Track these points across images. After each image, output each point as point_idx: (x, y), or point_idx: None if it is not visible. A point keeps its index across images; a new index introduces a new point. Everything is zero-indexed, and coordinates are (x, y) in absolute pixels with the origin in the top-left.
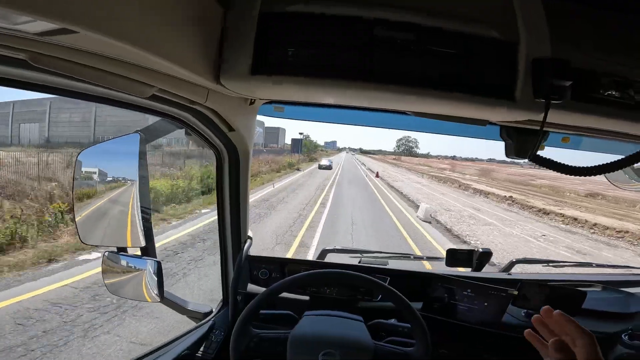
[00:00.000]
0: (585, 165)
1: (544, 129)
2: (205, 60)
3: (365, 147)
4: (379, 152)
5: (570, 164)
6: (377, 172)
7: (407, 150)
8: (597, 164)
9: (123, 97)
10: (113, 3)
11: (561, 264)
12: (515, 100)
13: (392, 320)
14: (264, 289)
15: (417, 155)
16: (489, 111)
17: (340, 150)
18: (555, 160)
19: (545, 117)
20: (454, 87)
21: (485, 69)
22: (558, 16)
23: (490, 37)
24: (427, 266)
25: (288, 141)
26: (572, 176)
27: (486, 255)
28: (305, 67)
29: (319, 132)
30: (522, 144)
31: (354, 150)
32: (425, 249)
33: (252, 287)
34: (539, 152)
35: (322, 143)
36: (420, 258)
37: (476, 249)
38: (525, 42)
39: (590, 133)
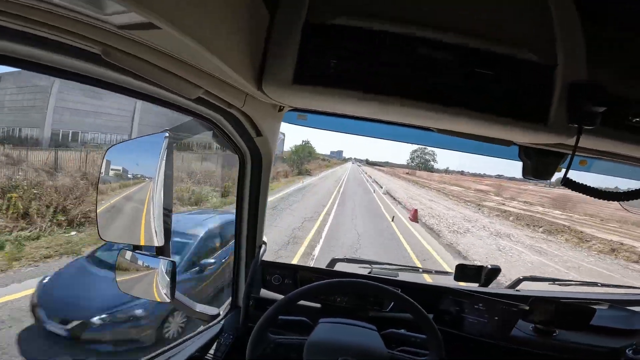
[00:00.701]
0: (614, 191)
1: (563, 151)
2: (250, 64)
3: (372, 159)
4: (387, 164)
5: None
6: (414, 212)
7: (422, 163)
8: (628, 190)
9: (169, 97)
10: (186, 3)
11: (567, 282)
12: (548, 124)
13: (402, 330)
14: (275, 294)
15: (432, 169)
16: (519, 133)
17: (345, 160)
18: (587, 185)
19: (577, 142)
20: (489, 107)
21: (521, 91)
22: (595, 41)
23: (529, 60)
24: (430, 280)
25: (287, 149)
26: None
27: (495, 272)
28: (345, 80)
29: (325, 141)
30: (541, 165)
31: (360, 161)
32: None
33: (264, 293)
34: (558, 174)
35: (327, 152)
36: (429, 272)
37: (485, 265)
38: (562, 66)
39: (615, 159)
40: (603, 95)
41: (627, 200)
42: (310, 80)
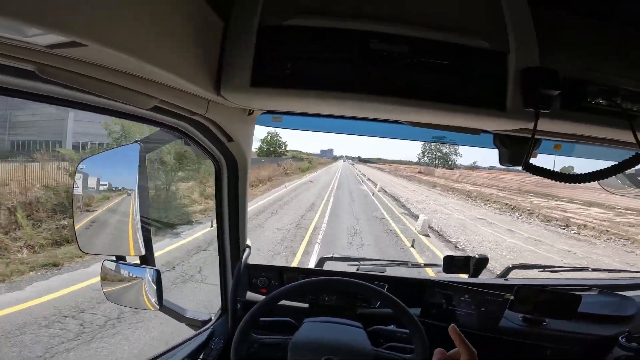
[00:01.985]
0: (576, 173)
1: (535, 137)
2: (206, 72)
3: (364, 155)
4: (379, 160)
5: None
6: None
7: (440, 158)
8: (589, 172)
9: (125, 108)
10: (119, 17)
11: (557, 268)
12: (506, 109)
13: (391, 326)
14: (262, 296)
15: (453, 166)
16: (481, 120)
17: (336, 158)
18: (547, 168)
19: (535, 126)
20: (447, 97)
21: (476, 79)
22: (546, 26)
23: (481, 47)
24: (430, 273)
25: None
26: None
27: (483, 262)
28: (303, 79)
29: (315, 139)
30: (516, 151)
31: (352, 158)
32: None
33: (250, 295)
34: (532, 160)
35: (318, 151)
36: (417, 265)
37: (473, 256)
38: (514, 52)
39: (581, 140)
40: (556, 79)
41: (588, 181)
42: (268, 82)
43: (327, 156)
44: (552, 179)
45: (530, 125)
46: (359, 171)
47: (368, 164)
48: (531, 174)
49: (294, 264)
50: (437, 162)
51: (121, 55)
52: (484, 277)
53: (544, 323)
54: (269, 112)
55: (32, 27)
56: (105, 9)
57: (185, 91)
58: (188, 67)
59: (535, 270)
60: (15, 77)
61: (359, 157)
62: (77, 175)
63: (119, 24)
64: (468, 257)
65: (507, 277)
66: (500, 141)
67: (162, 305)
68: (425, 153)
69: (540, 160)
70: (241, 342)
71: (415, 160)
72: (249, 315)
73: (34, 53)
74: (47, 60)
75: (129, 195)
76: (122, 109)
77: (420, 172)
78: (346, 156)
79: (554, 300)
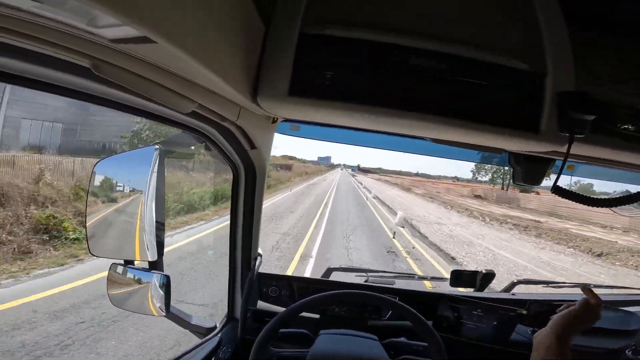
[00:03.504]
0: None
1: (553, 157)
2: (245, 76)
3: (364, 164)
4: (379, 169)
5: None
6: None
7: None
8: (618, 196)
9: (163, 112)
10: (181, 15)
11: (560, 284)
12: (540, 132)
13: (402, 339)
14: (273, 305)
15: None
16: (511, 141)
17: (333, 166)
18: (576, 192)
19: (568, 150)
20: (480, 117)
21: (511, 100)
22: (582, 47)
23: (519, 69)
24: (429, 286)
25: None
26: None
27: (489, 277)
28: (340, 92)
29: (313, 146)
30: (530, 170)
31: (352, 167)
32: None
33: (261, 304)
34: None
35: (315, 158)
36: (424, 278)
37: (480, 270)
38: (552, 75)
39: (603, 164)
40: (592, 104)
41: (616, 206)
42: (306, 92)
43: (324, 163)
44: (580, 203)
45: (558, 148)
46: (364, 187)
47: (369, 174)
48: None
49: None
50: (507, 181)
51: (180, 55)
52: (489, 291)
53: None
54: (289, 120)
55: (108, 16)
56: (176, 5)
57: (222, 96)
58: (230, 70)
59: (539, 286)
60: (69, 73)
61: (359, 166)
62: (93, 176)
63: (183, 22)
64: (475, 272)
65: (513, 292)
66: (516, 160)
67: (169, 312)
68: (488, 169)
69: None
70: (260, 355)
71: (415, 172)
72: (269, 327)
73: (93, 46)
74: (104, 55)
75: (139, 198)
76: (160, 112)
77: (478, 197)
78: (344, 165)
79: None
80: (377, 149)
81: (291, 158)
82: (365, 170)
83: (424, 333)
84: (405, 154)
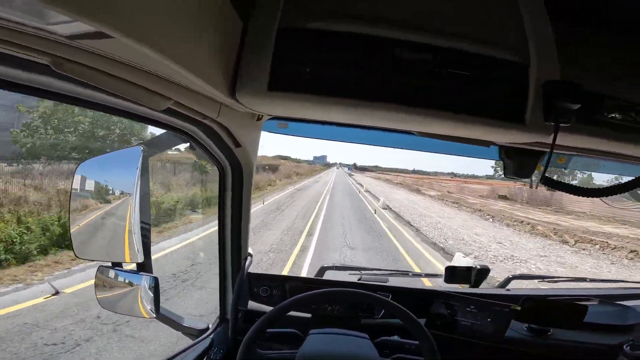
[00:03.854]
0: (594, 187)
1: (544, 149)
2: (223, 73)
3: (360, 163)
4: (376, 168)
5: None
6: None
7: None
8: (609, 185)
9: (138, 110)
10: (146, 10)
11: (556, 279)
12: (525, 123)
13: (395, 337)
14: (264, 305)
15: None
16: (497, 133)
17: (329, 165)
18: (566, 182)
19: (554, 140)
20: (465, 108)
21: (496, 91)
22: (566, 39)
23: (503, 59)
24: (427, 283)
25: None
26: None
27: (484, 272)
28: (322, 85)
29: (308, 145)
30: (521, 164)
31: (348, 166)
32: None
33: (252, 305)
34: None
35: (310, 157)
36: (418, 275)
37: (474, 266)
38: (536, 65)
39: (591, 154)
40: (577, 92)
41: (605, 195)
42: (286, 86)
43: (320, 163)
44: (569, 193)
45: (545, 139)
46: (366, 190)
47: (366, 172)
48: None
49: None
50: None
51: (144, 51)
52: (484, 287)
53: (549, 333)
54: (276, 117)
55: (57, 12)
56: (133, 1)
57: (199, 93)
58: (205, 67)
59: (535, 281)
60: (29, 72)
61: (355, 165)
62: (76, 178)
63: (145, 16)
64: (470, 268)
65: (508, 288)
66: (506, 153)
67: (159, 313)
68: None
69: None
70: (245, 356)
71: (411, 168)
72: (255, 328)
73: (50, 44)
74: (64, 52)
75: (127, 199)
76: (135, 110)
77: (503, 198)
78: (340, 163)
79: (560, 311)
80: (366, 145)
81: (285, 158)
82: (362, 169)
83: (415, 331)
84: (401, 150)
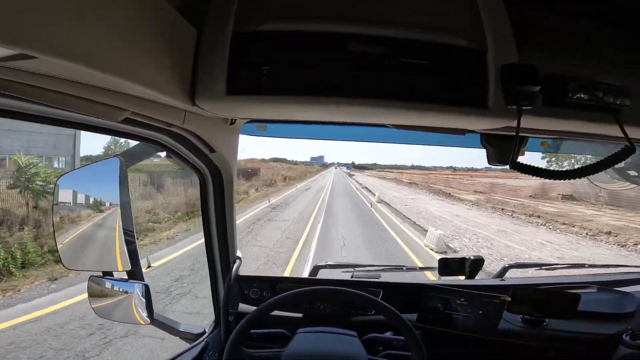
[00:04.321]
0: (566, 169)
1: (520, 134)
2: (179, 82)
3: (358, 161)
4: (374, 165)
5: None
6: None
7: None
8: (578, 167)
9: (95, 122)
10: (74, 27)
11: (553, 266)
12: (488, 107)
13: (388, 334)
14: (255, 307)
15: None
16: (465, 120)
17: (327, 166)
18: (535, 166)
19: (518, 123)
20: (429, 98)
21: (457, 78)
22: (524, 25)
23: (460, 46)
24: (430, 277)
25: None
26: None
27: (478, 263)
28: (280, 85)
29: (305, 147)
30: (503, 150)
31: (347, 165)
32: None
33: (243, 307)
34: (521, 159)
35: (307, 159)
36: (413, 269)
37: (468, 257)
38: (493, 50)
39: (567, 136)
40: (535, 75)
41: (575, 177)
42: (245, 89)
43: (317, 163)
44: (540, 177)
45: (513, 123)
46: (381, 200)
47: (366, 171)
48: None
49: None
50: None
51: (80, 68)
52: (480, 278)
53: (545, 323)
54: (252, 121)
55: None
56: (57, 18)
57: (158, 102)
58: (159, 77)
59: (532, 269)
60: None
61: (353, 163)
62: (56, 191)
63: (75, 34)
64: (463, 259)
65: (504, 277)
66: (487, 141)
67: (154, 319)
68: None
69: (528, 158)
70: (231, 356)
71: (410, 164)
72: (238, 328)
73: None
74: (1, 73)
75: (113, 209)
76: (92, 122)
77: (569, 198)
78: (338, 163)
79: (551, 300)
80: (346, 141)
81: (281, 160)
82: (361, 167)
83: (398, 326)
84: (398, 146)
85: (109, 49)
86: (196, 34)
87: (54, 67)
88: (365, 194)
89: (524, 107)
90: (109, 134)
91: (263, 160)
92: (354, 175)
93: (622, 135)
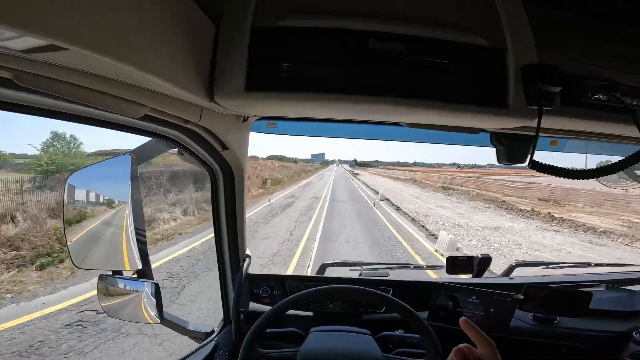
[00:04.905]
0: (584, 169)
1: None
2: (199, 78)
3: (360, 158)
4: (376, 162)
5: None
6: None
7: None
8: (597, 167)
9: (114, 118)
10: (104, 20)
11: (560, 265)
12: (508, 107)
13: (399, 332)
14: (265, 306)
15: None
16: (482, 119)
17: (327, 163)
18: (554, 165)
19: (539, 123)
20: (447, 96)
21: (476, 77)
22: (542, 24)
23: (479, 45)
24: (432, 275)
25: None
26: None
27: (486, 261)
28: (299, 82)
29: (306, 144)
30: (513, 149)
31: (349, 163)
32: None
33: (253, 306)
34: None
35: (308, 156)
36: (420, 267)
37: (476, 255)
38: (512, 49)
39: (581, 136)
40: (556, 75)
41: (595, 177)
42: (264, 86)
43: (318, 161)
44: (559, 176)
45: (531, 123)
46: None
47: (368, 168)
48: None
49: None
50: None
51: (107, 61)
52: (488, 276)
53: (556, 321)
54: (263, 118)
55: (7, 29)
56: (88, 10)
57: (177, 98)
58: (179, 73)
59: (539, 268)
60: None
61: (355, 160)
62: (67, 189)
63: (105, 27)
64: (471, 257)
65: (512, 276)
66: (497, 139)
67: (163, 319)
68: None
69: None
70: (247, 356)
71: (412, 161)
72: (254, 327)
73: (10, 59)
74: (24, 66)
75: (123, 208)
76: (110, 118)
77: None
78: (339, 160)
79: (564, 298)
80: (358, 139)
81: (280, 158)
82: (364, 165)
83: (415, 324)
84: (399, 143)
85: (133, 42)
86: (215, 29)
87: (82, 60)
88: (392, 216)
89: (544, 108)
90: (127, 131)
91: (253, 157)
92: (359, 175)
93: (638, 135)
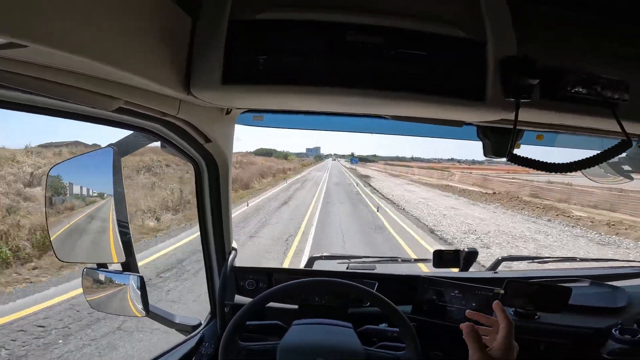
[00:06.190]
0: (562, 162)
1: (518, 127)
2: (174, 71)
3: (357, 153)
4: (374, 157)
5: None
6: None
7: None
8: (574, 160)
9: (89, 111)
10: (65, 14)
11: (546, 259)
12: (486, 100)
13: (383, 325)
14: (250, 299)
15: None
16: (462, 112)
17: (322, 158)
18: (532, 158)
19: (516, 116)
20: (427, 89)
21: (455, 69)
22: (523, 16)
23: (459, 37)
24: (424, 269)
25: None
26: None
27: (472, 255)
28: (277, 75)
29: (301, 137)
30: (499, 143)
31: (350, 158)
32: None
33: (239, 298)
34: (516, 151)
35: (303, 150)
36: (408, 261)
37: (462, 249)
38: (492, 42)
39: (563, 130)
40: (534, 68)
41: (572, 170)
42: (241, 78)
43: (312, 155)
44: (537, 169)
45: (512, 116)
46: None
47: (368, 163)
48: None
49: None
50: None
51: (71, 56)
52: (474, 270)
53: (536, 317)
54: (249, 110)
55: None
56: (46, 4)
57: (152, 91)
58: (153, 66)
59: (524, 262)
60: None
61: (353, 154)
62: (50, 181)
63: (67, 21)
64: (457, 251)
65: (497, 270)
66: (484, 133)
67: (149, 311)
68: None
69: (524, 151)
70: (227, 349)
71: (410, 156)
72: (234, 320)
73: None
74: None
75: (108, 200)
76: (85, 111)
77: None
78: (335, 154)
79: (544, 293)
80: (344, 131)
81: (268, 153)
82: (363, 160)
83: (393, 317)
84: (397, 137)
85: (102, 37)
86: (191, 23)
87: (45, 56)
88: None
89: (522, 100)
90: (103, 124)
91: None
92: (354, 165)
93: (619, 130)
